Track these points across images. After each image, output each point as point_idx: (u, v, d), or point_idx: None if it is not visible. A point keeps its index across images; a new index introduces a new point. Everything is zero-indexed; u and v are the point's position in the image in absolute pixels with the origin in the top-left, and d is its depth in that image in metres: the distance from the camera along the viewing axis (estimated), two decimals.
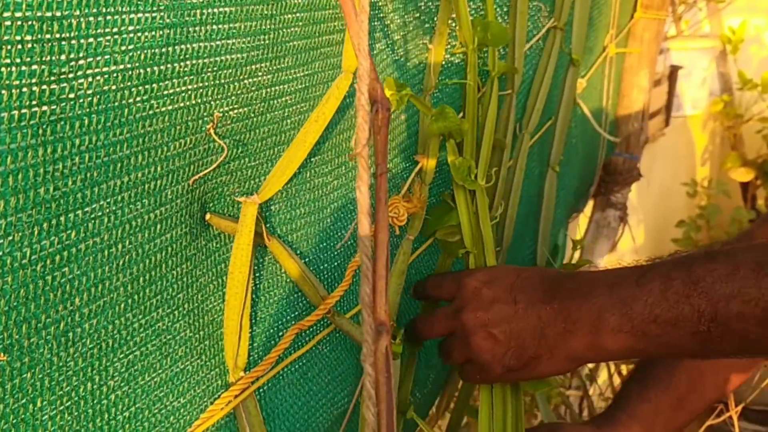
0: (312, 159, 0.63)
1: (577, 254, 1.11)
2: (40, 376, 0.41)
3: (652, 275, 0.63)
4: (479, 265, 0.78)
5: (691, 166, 2.79)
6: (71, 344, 0.43)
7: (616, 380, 1.48)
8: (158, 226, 0.49)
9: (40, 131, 0.38)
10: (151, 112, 0.45)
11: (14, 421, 0.40)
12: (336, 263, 0.69)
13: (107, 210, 0.44)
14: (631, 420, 0.84)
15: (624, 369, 1.48)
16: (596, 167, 1.40)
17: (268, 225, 0.60)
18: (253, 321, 0.61)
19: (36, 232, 0.39)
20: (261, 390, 0.63)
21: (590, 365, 1.59)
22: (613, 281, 0.65)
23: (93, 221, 0.43)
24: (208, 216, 0.54)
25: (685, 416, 0.86)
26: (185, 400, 0.55)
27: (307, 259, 0.65)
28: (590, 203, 1.56)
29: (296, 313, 0.65)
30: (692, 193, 2.60)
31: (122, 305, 0.47)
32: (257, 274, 0.61)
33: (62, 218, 0.41)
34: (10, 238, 0.38)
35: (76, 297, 0.43)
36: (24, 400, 0.40)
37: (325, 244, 0.67)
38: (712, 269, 0.59)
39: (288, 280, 0.64)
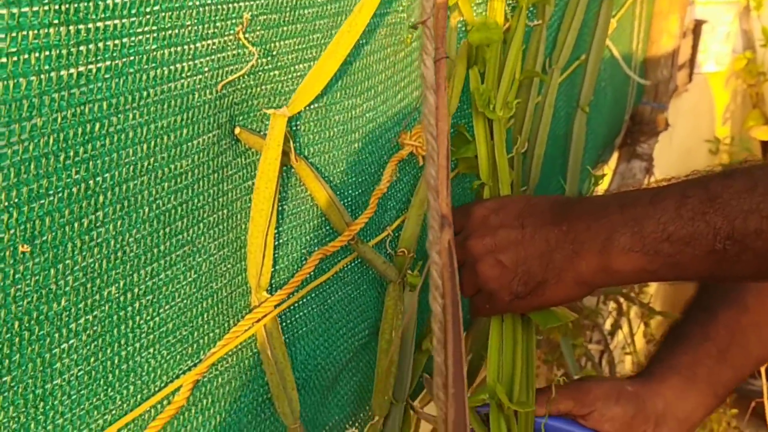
0: (342, 78, 0.61)
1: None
2: (65, 273, 0.39)
3: (666, 193, 0.59)
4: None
5: (713, 124, 2.74)
6: (95, 244, 0.41)
7: (638, 335, 1.47)
8: (185, 131, 0.46)
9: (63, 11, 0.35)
10: (177, 4, 0.42)
11: (38, 317, 0.38)
12: (361, 190, 0.66)
13: (132, 105, 0.41)
14: (669, 371, 0.78)
15: (644, 329, 1.46)
16: (624, 115, 1.36)
17: (295, 145, 0.58)
18: (277, 243, 0.59)
19: (59, 119, 0.37)
20: (283, 314, 0.61)
21: (611, 320, 1.57)
22: (625, 201, 0.62)
23: (118, 115, 0.40)
24: (237, 130, 0.52)
25: (730, 372, 0.79)
26: (209, 317, 0.53)
27: (332, 184, 0.63)
28: (614, 155, 1.52)
29: (319, 239, 0.63)
30: (714, 151, 2.56)
31: (146, 210, 0.45)
32: (282, 196, 0.58)
33: (86, 107, 0.38)
34: (33, 122, 0.35)
35: (100, 195, 0.41)
36: (48, 298, 0.39)
37: (351, 169, 0.65)
38: (729, 185, 0.56)
39: (312, 205, 0.62)
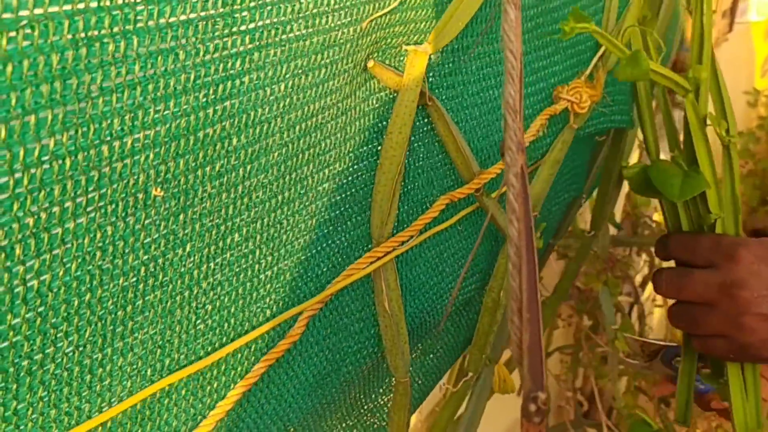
0: (480, 22, 0.54)
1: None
2: (192, 219, 0.36)
3: None
4: (727, 231, 0.67)
5: (752, 75, 2.51)
6: (224, 189, 0.38)
7: None
8: (323, 71, 0.42)
9: None
10: None
11: (163, 264, 0.36)
12: (493, 140, 0.60)
13: (275, 39, 0.37)
14: None
15: None
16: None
17: (429, 86, 0.52)
18: (402, 191, 0.54)
19: (202, 53, 0.33)
20: (399, 266, 0.57)
21: (643, 272, 1.49)
22: None
23: (260, 51, 0.36)
24: (371, 63, 0.47)
25: None
26: (327, 268, 0.50)
27: (462, 130, 0.57)
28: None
29: (444, 187, 0.59)
30: (753, 103, 2.35)
31: (276, 154, 0.41)
32: (411, 139, 0.53)
33: (228, 40, 0.34)
34: (175, 54, 0.31)
35: (234, 137, 0.37)
36: (174, 243, 0.36)
37: (483, 116, 0.59)
38: None
39: (440, 150, 0.57)
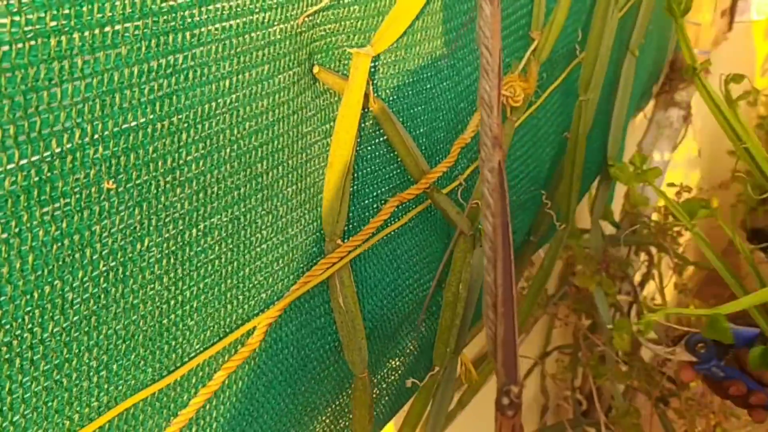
0: (423, 20, 0.56)
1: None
2: (148, 213, 0.37)
3: None
4: None
5: (752, 75, 2.59)
6: (178, 184, 0.39)
7: (668, 287, 1.41)
8: (266, 67, 0.43)
9: None
10: None
11: (122, 258, 0.36)
12: (440, 136, 0.62)
13: (216, 36, 0.38)
14: None
15: (676, 280, 1.41)
16: (664, 61, 1.28)
17: (373, 88, 0.54)
18: (351, 189, 0.56)
19: (143, 49, 0.34)
20: (354, 263, 0.59)
21: (642, 271, 1.52)
22: None
23: (201, 47, 0.37)
24: (316, 69, 0.49)
25: None
26: (284, 263, 0.51)
27: (409, 130, 0.59)
28: (651, 103, 1.44)
29: (393, 186, 0.60)
30: (753, 103, 2.42)
31: (227, 150, 0.42)
32: (358, 141, 0.55)
33: (170, 37, 0.35)
34: (117, 50, 0.33)
35: (183, 132, 0.38)
36: (132, 238, 0.36)
37: (429, 116, 0.61)
38: None
39: (388, 150, 0.58)
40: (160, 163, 0.37)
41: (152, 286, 0.39)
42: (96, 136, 0.32)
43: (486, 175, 0.31)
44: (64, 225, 0.32)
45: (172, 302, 0.41)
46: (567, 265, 1.44)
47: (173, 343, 0.42)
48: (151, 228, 0.37)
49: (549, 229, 0.91)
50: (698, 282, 2.41)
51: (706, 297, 1.47)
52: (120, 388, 0.39)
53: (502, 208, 0.33)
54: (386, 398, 0.72)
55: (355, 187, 0.56)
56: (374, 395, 0.70)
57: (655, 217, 1.45)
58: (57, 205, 0.32)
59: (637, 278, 1.56)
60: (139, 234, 0.37)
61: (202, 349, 0.45)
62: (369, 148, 0.56)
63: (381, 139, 0.57)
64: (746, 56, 2.56)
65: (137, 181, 0.36)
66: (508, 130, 0.69)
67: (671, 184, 1.31)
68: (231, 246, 0.45)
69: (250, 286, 0.48)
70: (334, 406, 0.63)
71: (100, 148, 0.33)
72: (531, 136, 0.81)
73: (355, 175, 0.56)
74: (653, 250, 1.46)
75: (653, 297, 1.53)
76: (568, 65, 0.82)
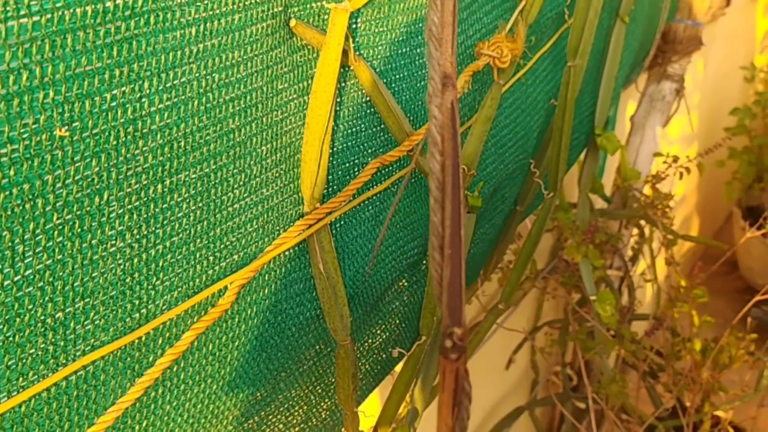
0: None
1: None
2: (107, 166, 0.35)
3: None
4: None
5: (751, 51, 2.55)
6: (140, 136, 0.37)
7: (659, 262, 1.39)
8: (237, 17, 0.41)
9: None
10: None
11: (78, 212, 0.34)
12: (424, 97, 0.60)
13: None
14: None
15: (666, 255, 1.39)
16: (656, 32, 1.25)
17: (354, 46, 0.52)
18: (332, 152, 0.54)
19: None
20: (335, 228, 0.57)
21: (633, 247, 1.50)
22: None
23: None
24: (293, 22, 0.46)
25: None
26: (258, 224, 0.49)
27: (393, 90, 0.57)
28: (644, 76, 1.41)
29: (375, 149, 0.58)
30: (750, 78, 2.38)
31: (195, 103, 0.40)
32: (339, 101, 0.53)
33: None
34: None
35: (145, 81, 0.36)
36: (89, 190, 0.34)
37: (414, 75, 0.59)
38: None
39: (371, 111, 0.56)
40: (119, 113, 0.35)
41: (113, 242, 0.37)
42: (46, 80, 0.30)
43: (433, 111, 0.30)
44: (11, 172, 0.30)
45: (135, 260, 0.39)
46: (558, 239, 1.42)
47: (137, 302, 0.41)
48: (110, 181, 0.35)
49: (536, 199, 0.89)
50: (690, 258, 2.40)
51: (696, 273, 1.45)
52: (78, 346, 0.38)
53: (453, 148, 0.31)
54: (371, 366, 0.70)
55: (334, 148, 0.54)
56: (359, 363, 0.68)
57: (646, 190, 1.43)
58: (3, 150, 0.30)
59: (629, 254, 1.54)
60: (97, 187, 0.35)
61: (168, 309, 0.43)
62: (350, 108, 0.54)
63: (362, 99, 0.55)
64: (746, 33, 2.52)
65: (94, 131, 0.34)
66: (495, 93, 0.66)
67: (658, 154, 1.29)
68: (200, 204, 0.43)
69: (222, 246, 0.46)
70: (314, 373, 0.62)
71: (51, 93, 0.31)
72: (520, 103, 0.79)
73: (335, 136, 0.53)
74: (645, 224, 1.44)
75: (643, 272, 1.52)
76: (557, 30, 0.80)
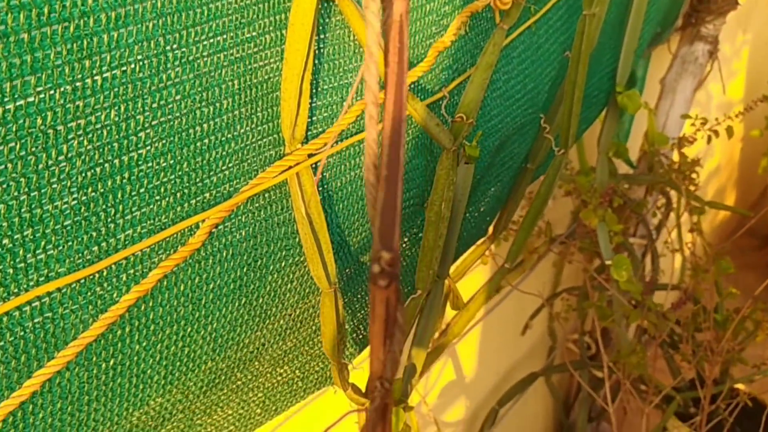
0: None
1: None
2: (54, 81, 0.33)
3: None
4: None
5: None
6: (86, 56, 0.35)
7: (685, 231, 1.34)
8: None
9: None
10: None
11: (27, 132, 0.33)
12: (417, 39, 0.57)
13: None
14: None
15: (692, 224, 1.33)
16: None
17: None
18: (314, 91, 0.51)
19: None
20: (317, 167, 0.55)
21: (659, 215, 1.44)
22: None
23: None
24: None
25: None
26: (232, 163, 0.47)
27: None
28: (676, 37, 1.34)
29: (362, 90, 0.55)
30: None
31: (150, 26, 0.38)
32: (321, 37, 0.50)
33: None
34: None
35: (102, 14, 0.34)
36: (43, 116, 0.33)
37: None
38: None
39: (357, 50, 0.53)
40: (74, 46, 0.33)
41: (63, 168, 0.36)
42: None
43: (368, 17, 0.26)
44: None
45: (90, 190, 0.38)
46: (578, 205, 1.38)
47: (94, 234, 0.39)
48: (62, 102, 0.34)
49: (548, 157, 0.86)
50: (723, 232, 2.32)
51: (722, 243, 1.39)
52: (31, 276, 0.37)
53: (399, 57, 0.28)
54: (361, 320, 0.69)
55: (317, 87, 0.51)
56: (350, 314, 0.66)
57: (675, 157, 1.37)
58: None
59: (655, 221, 1.49)
60: (47, 106, 0.33)
61: (131, 244, 0.42)
62: (334, 45, 0.52)
63: (348, 36, 0.52)
64: None
65: (38, 54, 0.32)
66: (498, 39, 0.63)
67: (686, 116, 1.23)
68: (163, 136, 0.41)
69: (191, 183, 0.44)
70: (301, 321, 0.60)
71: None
72: (530, 53, 0.75)
73: (318, 75, 0.51)
74: (673, 193, 1.38)
75: (667, 241, 1.46)
76: None
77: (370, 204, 0.26)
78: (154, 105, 0.39)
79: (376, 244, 0.24)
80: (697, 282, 1.32)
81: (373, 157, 0.26)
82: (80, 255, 0.39)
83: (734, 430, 1.29)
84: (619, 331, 1.28)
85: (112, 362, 0.44)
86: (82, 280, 0.40)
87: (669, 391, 1.32)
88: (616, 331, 1.36)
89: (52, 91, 0.34)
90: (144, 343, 0.46)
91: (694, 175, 1.30)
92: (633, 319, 1.08)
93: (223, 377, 0.58)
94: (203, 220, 0.46)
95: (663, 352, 1.38)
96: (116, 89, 0.37)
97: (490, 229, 0.90)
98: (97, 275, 0.41)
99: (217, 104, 0.44)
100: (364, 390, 0.69)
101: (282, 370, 0.60)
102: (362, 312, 0.67)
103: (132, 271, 0.43)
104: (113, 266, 0.42)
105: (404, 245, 0.69)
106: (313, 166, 0.54)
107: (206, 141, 0.44)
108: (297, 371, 0.65)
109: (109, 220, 0.40)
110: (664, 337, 1.30)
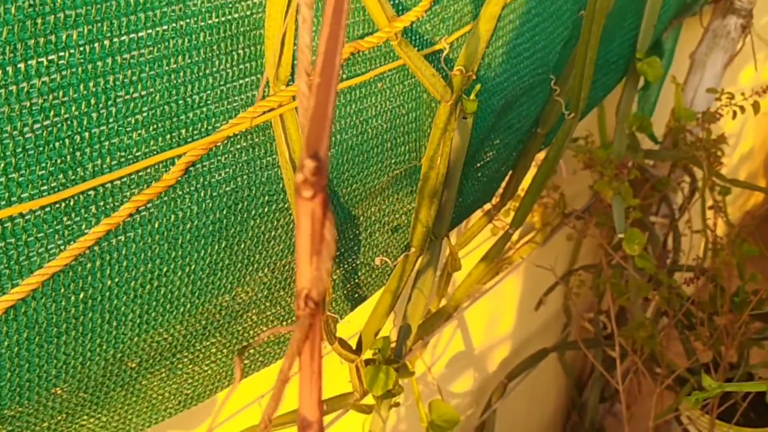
0: None
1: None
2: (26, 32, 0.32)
3: None
4: None
5: None
6: None
7: (709, 214, 1.29)
8: None
9: None
10: None
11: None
12: None
13: None
14: None
15: (714, 200, 1.27)
16: None
17: None
18: (297, 32, 0.50)
19: None
20: None
21: (682, 195, 1.39)
22: None
23: None
24: None
25: None
26: (210, 100, 0.46)
27: None
28: (708, 10, 1.28)
29: (355, 34, 0.53)
30: None
31: None
32: None
33: None
34: None
35: None
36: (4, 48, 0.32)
37: None
38: None
39: None
40: None
41: (23, 87, 0.35)
42: None
43: None
44: None
45: (51, 114, 0.37)
46: (597, 178, 1.34)
47: (59, 161, 0.38)
48: (24, 26, 0.33)
49: (558, 122, 0.83)
50: (756, 217, 2.25)
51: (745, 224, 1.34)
52: None
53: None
54: (354, 274, 0.67)
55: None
56: (341, 267, 0.65)
57: (701, 134, 1.32)
58: None
59: (680, 199, 1.44)
60: (8, 28, 0.32)
61: (100, 175, 0.41)
62: None
63: None
64: None
65: None
66: None
67: (712, 90, 1.18)
68: (131, 65, 0.40)
69: (164, 117, 0.43)
70: (287, 269, 0.59)
71: None
72: (542, 9, 0.72)
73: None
74: (698, 173, 1.33)
75: (688, 220, 1.42)
76: None
77: (302, 113, 0.24)
78: (122, 30, 0.38)
79: (303, 150, 0.23)
80: (716, 263, 1.28)
81: (306, 64, 0.25)
82: (44, 182, 0.38)
83: (748, 415, 1.25)
84: (635, 309, 1.25)
85: (81, 295, 0.44)
86: (48, 208, 0.39)
87: (683, 373, 1.29)
88: (632, 310, 1.32)
89: (8, 4, 0.33)
90: (116, 279, 0.45)
91: (719, 153, 1.25)
92: (644, 293, 1.05)
93: (210, 329, 0.57)
94: (179, 156, 0.45)
95: (679, 333, 1.34)
96: (79, 9, 0.36)
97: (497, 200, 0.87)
98: (63, 204, 0.40)
99: (193, 36, 0.42)
100: (354, 346, 0.68)
101: (264, 316, 0.59)
102: (353, 265, 0.66)
103: (102, 203, 0.42)
104: (81, 197, 0.41)
105: (401, 201, 0.67)
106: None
107: (181, 75, 0.43)
108: (284, 318, 0.64)
109: (75, 148, 0.39)
110: (679, 317, 1.27)
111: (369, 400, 0.75)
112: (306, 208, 0.23)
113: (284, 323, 0.63)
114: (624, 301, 1.27)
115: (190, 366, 0.59)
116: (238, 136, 0.49)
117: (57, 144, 0.38)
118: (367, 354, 0.70)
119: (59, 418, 0.50)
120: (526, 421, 1.59)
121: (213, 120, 0.46)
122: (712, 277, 1.28)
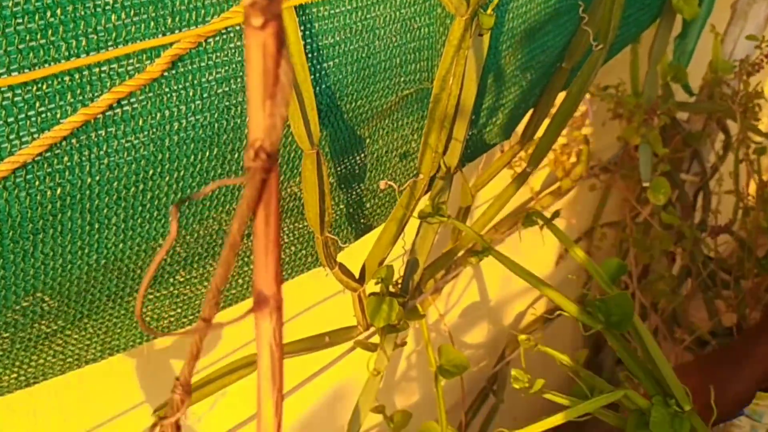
0: None
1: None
2: None
3: None
4: None
5: None
6: None
7: (743, 173, 1.22)
8: None
9: None
10: None
11: None
12: None
13: None
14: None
15: (746, 156, 1.20)
16: None
17: None
18: None
19: None
20: (308, 25, 0.49)
21: (718, 150, 1.32)
22: None
23: None
24: None
25: None
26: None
27: None
28: None
29: None
30: None
31: None
32: None
33: None
34: None
35: None
36: None
37: None
38: None
39: None
40: None
41: None
42: None
43: None
44: None
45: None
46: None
47: (26, 36, 0.35)
48: None
49: (585, 56, 0.78)
50: None
51: None
52: None
53: None
54: (359, 200, 0.64)
55: None
56: (342, 195, 0.62)
57: (741, 86, 1.24)
58: None
59: (713, 158, 1.37)
60: None
61: (73, 58, 0.38)
62: None
63: None
64: None
65: None
66: None
67: (752, 37, 1.11)
68: None
69: (148, 2, 0.40)
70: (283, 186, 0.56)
71: None
72: None
73: None
74: (733, 128, 1.26)
75: (720, 177, 1.35)
76: None
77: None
78: None
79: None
80: (746, 223, 1.22)
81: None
82: (12, 59, 0.35)
83: None
84: (659, 266, 1.20)
85: (59, 191, 0.41)
86: (18, 90, 0.37)
87: (704, 335, 1.24)
88: (654, 270, 1.28)
89: None
90: (96, 177, 0.43)
91: (756, 108, 1.18)
92: (666, 245, 1.00)
93: (205, 245, 0.55)
94: (165, 48, 0.42)
95: (703, 294, 1.29)
96: None
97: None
98: (35, 88, 0.37)
99: None
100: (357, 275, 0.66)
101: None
102: (358, 190, 0.63)
103: (79, 92, 0.39)
104: (54, 83, 0.38)
105: (411, 126, 0.63)
106: (301, 14, 0.48)
107: None
108: (291, 246, 0.61)
109: (47, 24, 0.36)
110: (704, 277, 1.22)
111: (376, 339, 0.73)
112: (256, 39, 0.19)
113: (286, 243, 0.61)
114: (647, 258, 1.23)
115: (186, 287, 0.56)
116: (232, 34, 0.45)
117: (25, 18, 0.35)
118: (373, 288, 0.67)
119: (43, 327, 0.48)
120: (541, 377, 1.56)
121: (203, 12, 0.43)
122: (741, 239, 1.23)
